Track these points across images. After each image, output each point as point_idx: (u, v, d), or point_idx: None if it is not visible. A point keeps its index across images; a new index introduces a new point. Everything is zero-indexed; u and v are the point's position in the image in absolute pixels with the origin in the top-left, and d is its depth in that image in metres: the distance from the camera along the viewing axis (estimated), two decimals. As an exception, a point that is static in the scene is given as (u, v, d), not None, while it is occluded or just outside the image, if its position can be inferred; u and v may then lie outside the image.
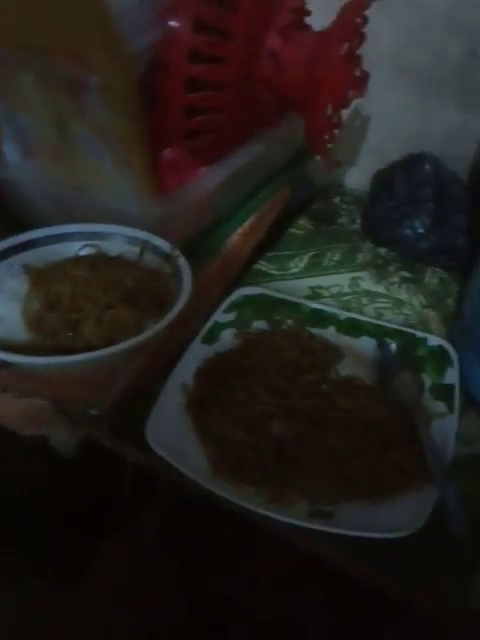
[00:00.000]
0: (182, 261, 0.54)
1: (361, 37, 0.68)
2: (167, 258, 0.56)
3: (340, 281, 0.73)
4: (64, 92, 0.53)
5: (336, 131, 0.75)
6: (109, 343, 0.46)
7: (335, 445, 0.51)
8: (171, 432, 0.52)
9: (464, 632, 0.44)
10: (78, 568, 0.77)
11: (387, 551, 0.45)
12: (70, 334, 0.47)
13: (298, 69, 0.61)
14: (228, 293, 0.66)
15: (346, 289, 0.72)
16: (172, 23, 0.56)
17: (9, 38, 0.53)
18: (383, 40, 0.76)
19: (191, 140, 0.62)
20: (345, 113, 0.85)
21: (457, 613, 0.43)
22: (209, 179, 0.64)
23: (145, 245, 0.57)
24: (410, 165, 0.76)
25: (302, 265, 0.76)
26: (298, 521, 0.45)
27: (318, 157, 0.74)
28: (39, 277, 0.52)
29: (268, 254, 0.77)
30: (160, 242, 0.56)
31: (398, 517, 0.46)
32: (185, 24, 0.55)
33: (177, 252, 0.55)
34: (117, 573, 0.79)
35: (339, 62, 0.59)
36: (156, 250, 0.57)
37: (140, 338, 0.45)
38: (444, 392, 0.56)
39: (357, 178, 0.91)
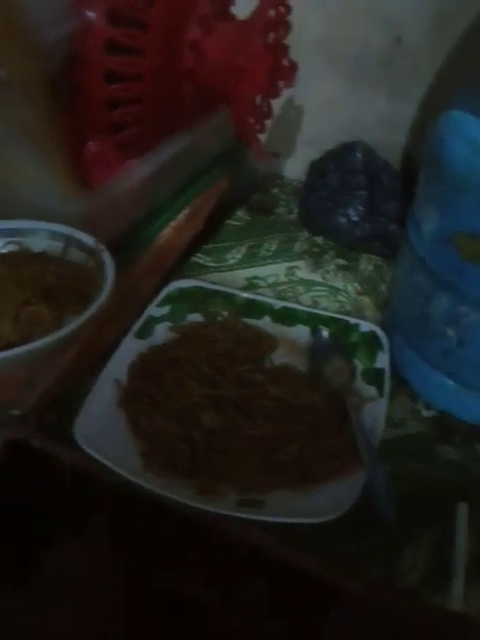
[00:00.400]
0: (106, 255, 0.54)
1: (286, 26, 0.68)
2: (91, 253, 0.55)
3: (277, 271, 0.73)
4: (-23, 86, 0.52)
5: (266, 121, 0.75)
6: (27, 341, 0.45)
7: (265, 433, 0.51)
8: (102, 428, 0.51)
9: (392, 613, 0.44)
10: (21, 573, 0.75)
11: (316, 535, 0.45)
12: (-13, 333, 0.46)
13: (221, 60, 0.61)
14: (163, 287, 0.65)
15: (282, 279, 0.72)
16: (87, 14, 0.55)
17: None
18: (310, 29, 0.77)
19: (116, 133, 0.61)
20: (279, 104, 0.86)
21: (384, 594, 0.44)
22: (136, 172, 0.63)
23: (69, 240, 0.56)
24: (341, 154, 0.76)
25: (239, 256, 0.76)
26: (226, 511, 0.45)
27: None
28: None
29: (205, 246, 0.77)
30: (84, 237, 0.56)
31: (327, 501, 0.46)
32: (99, 15, 0.54)
33: (101, 246, 0.54)
34: (62, 576, 0.78)
35: (260, 51, 0.58)
36: (80, 245, 0.56)
37: (58, 334, 0.45)
38: (375, 376, 0.57)
39: (296, 169, 0.91)
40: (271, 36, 0.67)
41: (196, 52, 0.60)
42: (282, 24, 0.67)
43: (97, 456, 0.48)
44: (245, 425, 0.51)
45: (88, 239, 0.56)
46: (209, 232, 0.78)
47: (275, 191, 0.90)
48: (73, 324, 0.45)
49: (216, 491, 0.48)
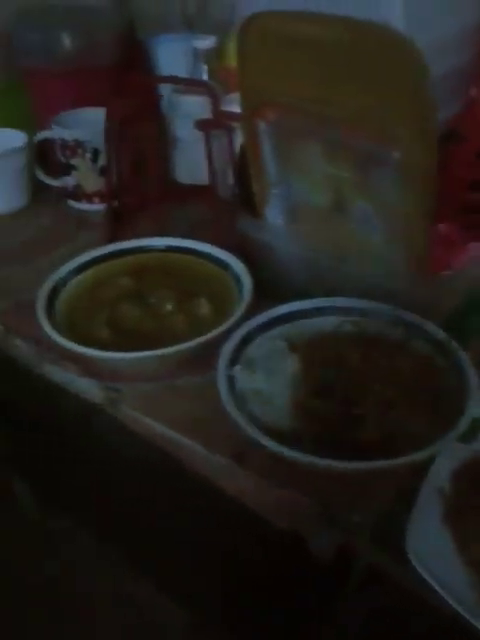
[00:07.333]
0: (462, 355, 0.48)
1: None
2: (440, 347, 0.50)
3: None
4: (351, 164, 0.50)
5: None
6: (388, 448, 0.41)
7: None
8: (430, 548, 0.46)
9: None
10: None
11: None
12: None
13: None
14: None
15: None
16: (473, 93, 0.51)
17: (300, 105, 0.51)
18: None
19: (468, 215, 0.56)
20: None
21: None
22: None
23: (411, 328, 0.51)
24: None
25: None
26: None
27: None
28: (308, 356, 0.49)
29: None
30: (431, 327, 0.51)
31: None
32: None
33: (454, 343, 0.49)
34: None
35: None
36: (426, 336, 0.51)
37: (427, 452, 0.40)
38: None
39: None
40: None
41: None
42: None
43: (434, 584, 0.43)
44: None
45: (436, 331, 0.50)
46: None
47: None
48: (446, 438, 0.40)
49: None
